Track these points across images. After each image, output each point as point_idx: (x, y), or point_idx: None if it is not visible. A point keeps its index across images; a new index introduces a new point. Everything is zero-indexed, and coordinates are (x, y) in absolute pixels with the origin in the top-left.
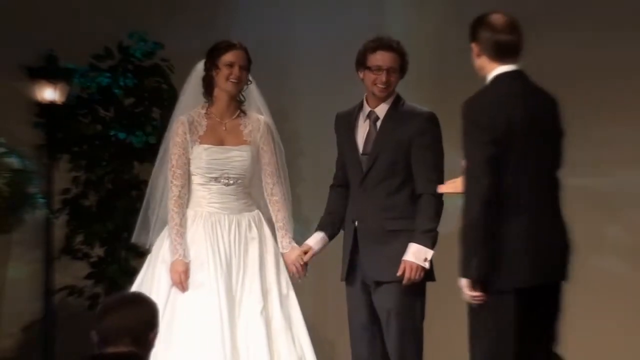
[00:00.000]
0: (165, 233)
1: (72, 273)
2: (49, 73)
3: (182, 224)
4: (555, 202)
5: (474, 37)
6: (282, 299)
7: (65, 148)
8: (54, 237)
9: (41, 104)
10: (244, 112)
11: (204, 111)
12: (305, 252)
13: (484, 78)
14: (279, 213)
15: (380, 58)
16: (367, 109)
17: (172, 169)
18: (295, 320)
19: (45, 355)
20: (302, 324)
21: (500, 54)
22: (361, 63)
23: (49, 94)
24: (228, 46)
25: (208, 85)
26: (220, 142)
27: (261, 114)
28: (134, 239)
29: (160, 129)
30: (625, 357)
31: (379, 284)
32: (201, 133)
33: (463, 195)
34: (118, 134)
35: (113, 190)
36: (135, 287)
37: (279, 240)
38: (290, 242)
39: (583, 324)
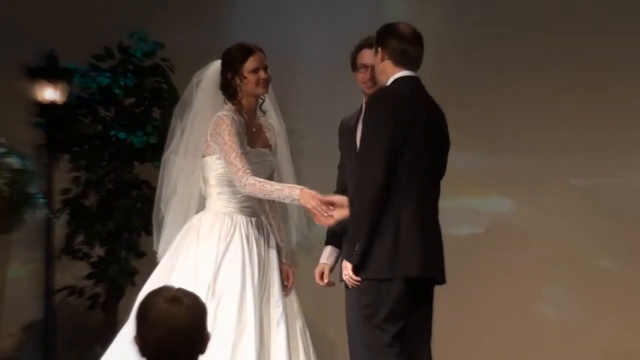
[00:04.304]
0: (181, 234)
1: (72, 273)
2: (49, 73)
3: (270, 182)
4: (437, 203)
5: (381, 42)
6: (292, 302)
7: (66, 148)
8: (54, 237)
9: (41, 104)
10: (263, 112)
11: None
12: (322, 273)
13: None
14: (282, 223)
15: (364, 55)
16: (364, 110)
17: (238, 156)
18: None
19: (45, 355)
20: (304, 331)
21: (405, 61)
22: (352, 65)
23: (49, 94)
24: (247, 52)
25: (232, 94)
26: (252, 144)
27: (274, 116)
28: (155, 248)
29: (161, 129)
30: (625, 356)
31: None
32: (243, 133)
33: (359, 182)
34: (118, 134)
35: (113, 190)
36: (150, 285)
37: (284, 251)
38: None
39: (583, 324)
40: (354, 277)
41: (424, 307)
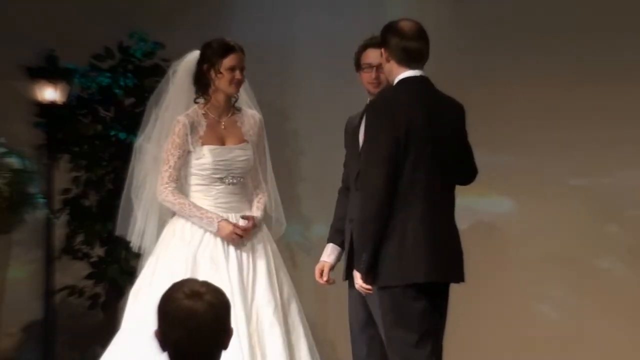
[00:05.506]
0: (163, 232)
1: (72, 273)
2: (49, 73)
3: (191, 202)
4: (450, 204)
5: (384, 42)
6: (289, 298)
7: (65, 148)
8: (54, 237)
9: (41, 104)
10: (237, 109)
11: (202, 111)
12: (322, 270)
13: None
14: (261, 202)
15: (370, 55)
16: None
17: (169, 169)
18: (300, 321)
19: (45, 355)
20: (306, 324)
21: (407, 59)
22: (356, 64)
23: (49, 94)
24: (228, 49)
25: (204, 86)
26: (222, 142)
27: (250, 107)
28: (118, 233)
29: None
30: (625, 357)
31: None
32: (202, 134)
33: (361, 191)
34: (118, 134)
35: (113, 190)
36: (136, 289)
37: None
38: (259, 213)
39: (583, 324)
40: (365, 285)
41: (439, 309)
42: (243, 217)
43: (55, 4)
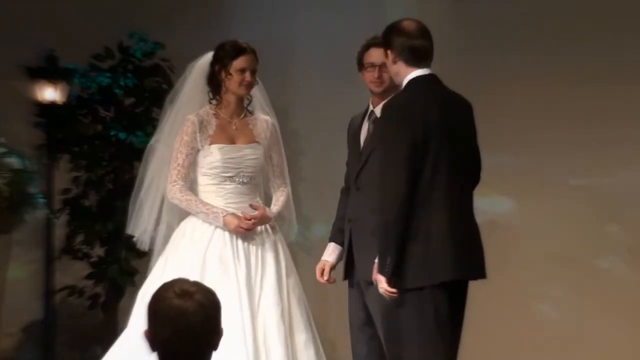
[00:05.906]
0: (174, 234)
1: (72, 273)
2: (49, 73)
3: (198, 198)
4: (469, 202)
5: (388, 44)
6: (299, 302)
7: (65, 148)
8: (54, 237)
9: (41, 104)
10: (250, 112)
11: (212, 111)
12: (323, 269)
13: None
14: (280, 200)
15: (372, 54)
16: (370, 109)
17: (178, 167)
18: (308, 326)
19: (45, 355)
20: (314, 329)
21: (415, 58)
22: (359, 63)
23: (49, 94)
24: (239, 51)
25: (216, 87)
26: (232, 141)
27: (266, 113)
28: (128, 231)
29: None
30: (625, 357)
31: (369, 283)
32: (211, 133)
33: (380, 193)
34: (118, 134)
35: (113, 190)
36: (144, 291)
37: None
38: (276, 209)
39: (583, 324)
40: (389, 289)
41: (460, 309)
42: (251, 206)
43: (55, 4)
